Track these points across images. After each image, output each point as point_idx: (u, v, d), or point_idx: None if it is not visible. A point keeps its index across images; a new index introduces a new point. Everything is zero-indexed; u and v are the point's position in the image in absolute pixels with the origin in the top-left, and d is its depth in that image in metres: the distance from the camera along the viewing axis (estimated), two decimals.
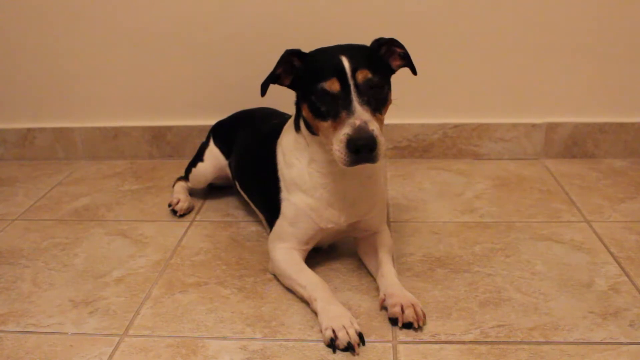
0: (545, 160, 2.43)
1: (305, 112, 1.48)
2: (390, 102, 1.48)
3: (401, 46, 1.53)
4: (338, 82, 1.39)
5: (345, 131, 1.34)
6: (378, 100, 1.42)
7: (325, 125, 1.41)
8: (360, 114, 1.35)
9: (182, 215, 2.04)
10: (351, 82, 1.39)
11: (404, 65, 1.56)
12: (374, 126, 1.35)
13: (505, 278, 1.60)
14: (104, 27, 2.41)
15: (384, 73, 1.46)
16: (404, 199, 2.11)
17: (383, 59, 1.52)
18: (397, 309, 1.41)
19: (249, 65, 2.37)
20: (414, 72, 1.58)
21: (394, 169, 2.37)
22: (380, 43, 1.52)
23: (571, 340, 1.35)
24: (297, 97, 1.56)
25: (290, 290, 1.57)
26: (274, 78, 1.52)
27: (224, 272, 1.68)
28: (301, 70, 1.50)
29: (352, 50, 1.44)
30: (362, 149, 1.33)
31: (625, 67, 2.32)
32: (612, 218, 1.92)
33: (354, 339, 1.33)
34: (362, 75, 1.39)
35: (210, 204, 2.14)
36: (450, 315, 1.45)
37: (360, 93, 1.38)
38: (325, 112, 1.40)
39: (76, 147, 2.61)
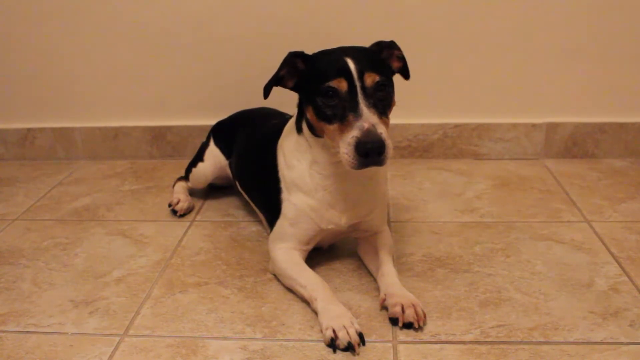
0: (546, 160, 2.43)
1: (309, 115, 1.47)
2: (394, 104, 1.48)
3: (399, 49, 1.54)
4: (345, 81, 1.38)
5: (353, 134, 1.33)
6: (384, 103, 1.42)
7: (332, 128, 1.40)
8: (368, 117, 1.35)
9: (182, 215, 2.04)
10: (357, 84, 1.38)
11: (401, 68, 1.57)
12: (381, 129, 1.34)
13: (506, 278, 1.60)
14: (104, 27, 2.41)
15: (387, 75, 1.46)
16: (404, 199, 2.12)
17: (385, 61, 1.52)
18: (398, 309, 1.41)
19: (250, 65, 2.37)
20: (407, 76, 1.58)
21: (394, 169, 2.37)
22: (381, 46, 1.52)
23: (571, 340, 1.35)
24: (300, 99, 1.55)
25: (290, 290, 1.57)
26: (277, 80, 1.52)
27: (224, 272, 1.68)
28: (305, 72, 1.49)
29: (356, 53, 1.44)
30: (371, 152, 1.32)
31: (625, 67, 2.32)
32: (612, 218, 1.92)
33: (354, 338, 1.33)
34: (371, 78, 1.39)
35: (211, 204, 2.14)
36: (451, 315, 1.45)
37: (366, 95, 1.38)
38: (332, 115, 1.39)
39: (76, 147, 2.61)
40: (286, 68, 1.50)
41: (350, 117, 1.36)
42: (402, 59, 1.55)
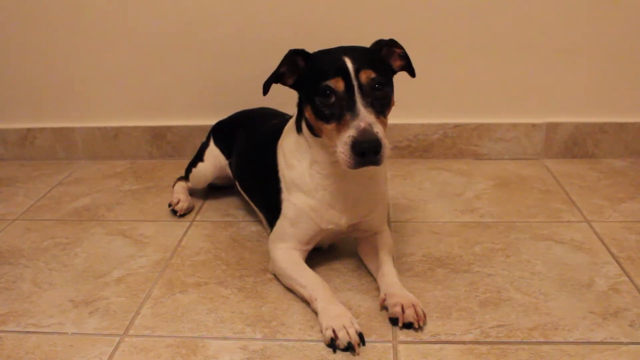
0: (546, 160, 2.43)
1: (308, 114, 1.48)
2: (394, 104, 1.48)
3: (400, 47, 1.53)
4: (342, 81, 1.39)
5: (350, 134, 1.33)
6: (382, 102, 1.41)
7: (329, 127, 1.40)
8: (365, 116, 1.35)
9: (182, 215, 2.04)
10: (355, 83, 1.38)
11: (403, 67, 1.56)
12: (378, 129, 1.34)
13: (506, 278, 1.60)
14: (104, 27, 2.41)
15: (386, 74, 1.46)
16: (404, 199, 2.12)
17: (385, 60, 1.52)
18: (398, 309, 1.41)
19: (249, 65, 2.37)
20: (412, 74, 1.58)
21: (394, 169, 2.37)
22: (381, 44, 1.52)
23: (571, 340, 1.35)
24: (300, 98, 1.55)
25: (290, 290, 1.57)
26: (277, 77, 1.51)
27: (224, 272, 1.68)
28: (305, 70, 1.49)
29: (354, 52, 1.44)
30: (367, 151, 1.32)
31: (625, 67, 2.32)
32: (612, 218, 1.92)
33: (354, 339, 1.33)
34: (366, 75, 1.39)
35: (211, 204, 2.14)
36: (451, 315, 1.45)
37: (364, 94, 1.38)
38: (329, 114, 1.39)
39: (76, 147, 2.61)
40: (286, 65, 1.50)
41: (347, 116, 1.36)
42: (405, 56, 1.55)
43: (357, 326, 1.36)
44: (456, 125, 2.43)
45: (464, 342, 1.36)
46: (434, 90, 2.38)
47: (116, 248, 1.84)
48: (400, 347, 1.35)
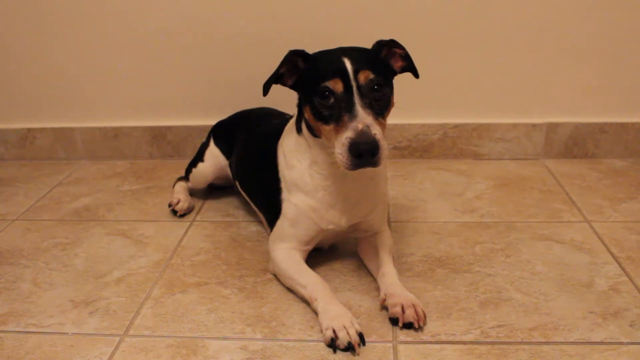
0: (546, 160, 2.43)
1: (307, 114, 1.48)
2: (393, 105, 1.48)
3: (401, 47, 1.53)
4: (341, 82, 1.39)
5: (347, 135, 1.34)
6: (381, 104, 1.41)
7: (328, 128, 1.40)
8: (363, 118, 1.35)
9: (182, 215, 2.04)
10: (353, 84, 1.38)
11: (405, 68, 1.56)
12: (376, 130, 1.34)
13: (506, 278, 1.60)
14: (104, 27, 2.41)
15: (385, 75, 1.46)
16: (404, 199, 2.12)
17: (384, 61, 1.51)
18: (398, 309, 1.41)
19: (249, 65, 2.37)
20: (416, 75, 1.57)
21: (394, 169, 2.37)
22: (381, 45, 1.51)
23: (571, 340, 1.35)
24: (299, 99, 1.55)
25: (290, 290, 1.57)
26: (277, 78, 1.51)
27: (224, 272, 1.68)
28: (304, 71, 1.49)
29: (354, 52, 1.44)
30: (365, 153, 1.32)
31: (625, 67, 2.32)
32: (613, 218, 1.92)
33: (355, 339, 1.33)
34: (364, 76, 1.39)
35: (211, 204, 2.14)
36: (451, 316, 1.45)
37: (362, 95, 1.38)
38: (328, 116, 1.39)
39: (76, 147, 2.61)
40: (286, 66, 1.50)
41: (345, 117, 1.36)
42: (406, 57, 1.54)
43: (357, 326, 1.36)
44: (456, 125, 2.43)
45: (464, 342, 1.36)
46: (434, 90, 2.38)
47: (116, 248, 1.84)
48: (401, 347, 1.35)
